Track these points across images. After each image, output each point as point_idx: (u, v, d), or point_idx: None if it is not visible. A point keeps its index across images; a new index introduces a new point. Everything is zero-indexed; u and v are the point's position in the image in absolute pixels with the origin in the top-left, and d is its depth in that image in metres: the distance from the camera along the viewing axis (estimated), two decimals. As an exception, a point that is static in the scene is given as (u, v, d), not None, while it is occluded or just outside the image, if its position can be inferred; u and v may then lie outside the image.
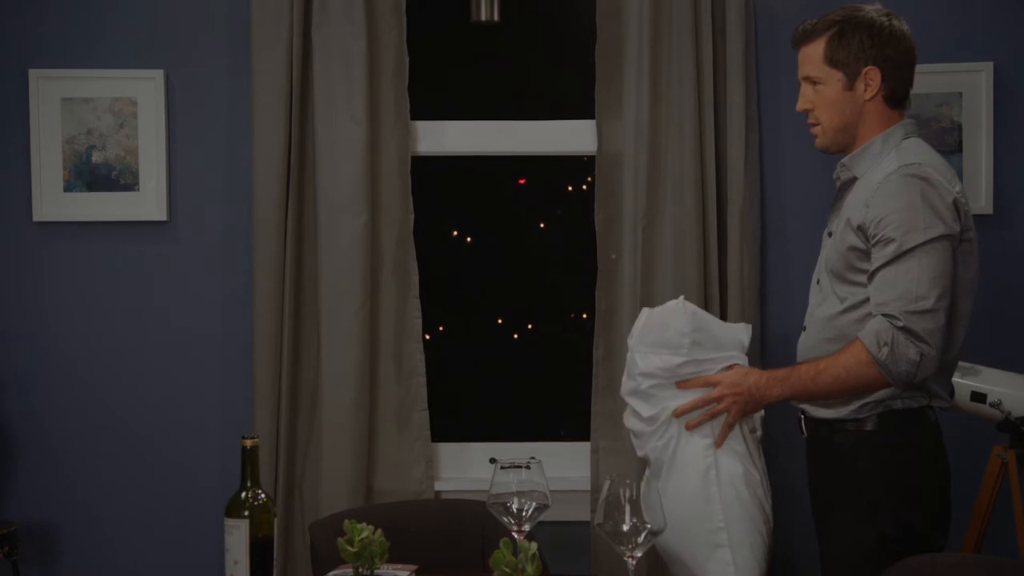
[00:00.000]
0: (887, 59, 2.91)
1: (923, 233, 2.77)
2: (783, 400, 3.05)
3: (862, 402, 2.91)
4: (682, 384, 3.03)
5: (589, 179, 3.91)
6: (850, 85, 2.94)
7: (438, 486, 3.79)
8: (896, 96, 2.95)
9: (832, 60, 2.95)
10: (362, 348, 3.67)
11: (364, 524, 2.61)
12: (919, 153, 2.88)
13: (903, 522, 2.87)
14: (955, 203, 2.82)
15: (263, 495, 2.60)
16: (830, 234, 3.04)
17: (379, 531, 2.61)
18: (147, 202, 3.78)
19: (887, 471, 2.88)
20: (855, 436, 2.93)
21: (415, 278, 3.75)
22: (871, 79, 2.92)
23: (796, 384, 2.97)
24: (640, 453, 3.03)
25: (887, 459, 2.89)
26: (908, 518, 2.88)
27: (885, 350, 2.78)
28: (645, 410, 3.04)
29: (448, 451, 3.91)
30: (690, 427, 3.01)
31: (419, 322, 3.75)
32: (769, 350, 3.81)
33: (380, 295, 3.74)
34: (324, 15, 3.67)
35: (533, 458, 2.70)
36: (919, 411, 2.93)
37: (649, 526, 2.32)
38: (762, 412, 3.16)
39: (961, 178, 3.72)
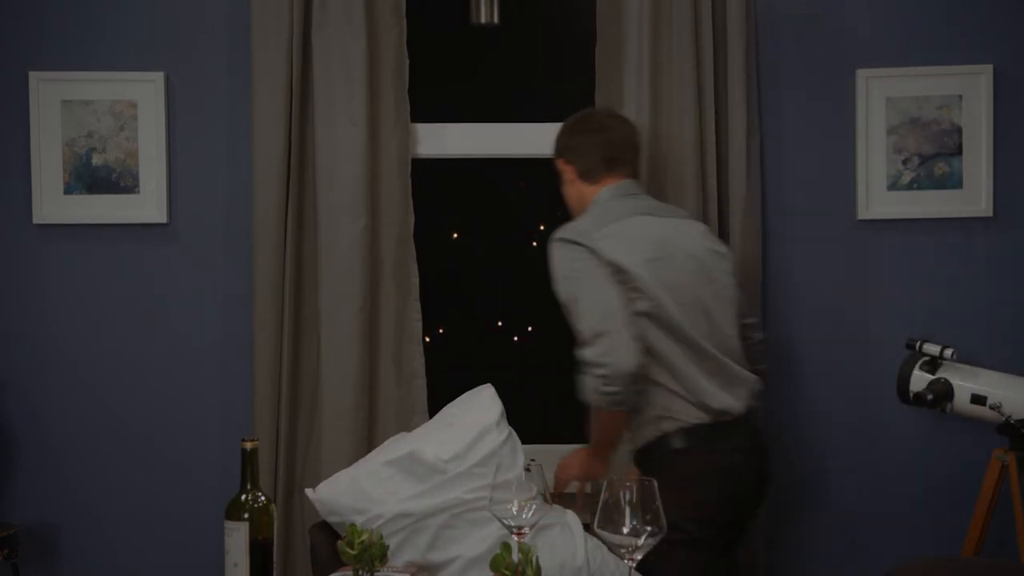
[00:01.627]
0: (568, 149, 3.39)
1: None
2: (598, 451, 3.32)
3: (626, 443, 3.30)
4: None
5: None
6: (563, 176, 3.42)
7: (438, 488, 3.79)
8: (590, 173, 3.35)
9: (556, 158, 3.44)
10: (362, 350, 3.67)
11: (364, 527, 2.61)
12: (578, 222, 3.25)
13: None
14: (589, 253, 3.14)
15: (263, 497, 2.59)
16: None
17: (379, 534, 2.61)
18: (147, 204, 3.78)
19: None
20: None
21: (415, 280, 3.75)
22: (565, 169, 3.40)
23: (591, 435, 3.31)
24: None
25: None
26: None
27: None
28: None
29: (448, 453, 3.90)
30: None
31: (419, 324, 3.75)
32: (771, 353, 3.80)
33: (380, 297, 3.74)
34: (324, 16, 3.67)
35: (533, 460, 2.70)
36: (655, 444, 3.19)
37: (649, 528, 2.32)
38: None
39: (961, 180, 3.74)
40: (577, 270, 3.15)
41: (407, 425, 3.74)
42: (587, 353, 3.07)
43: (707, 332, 3.19)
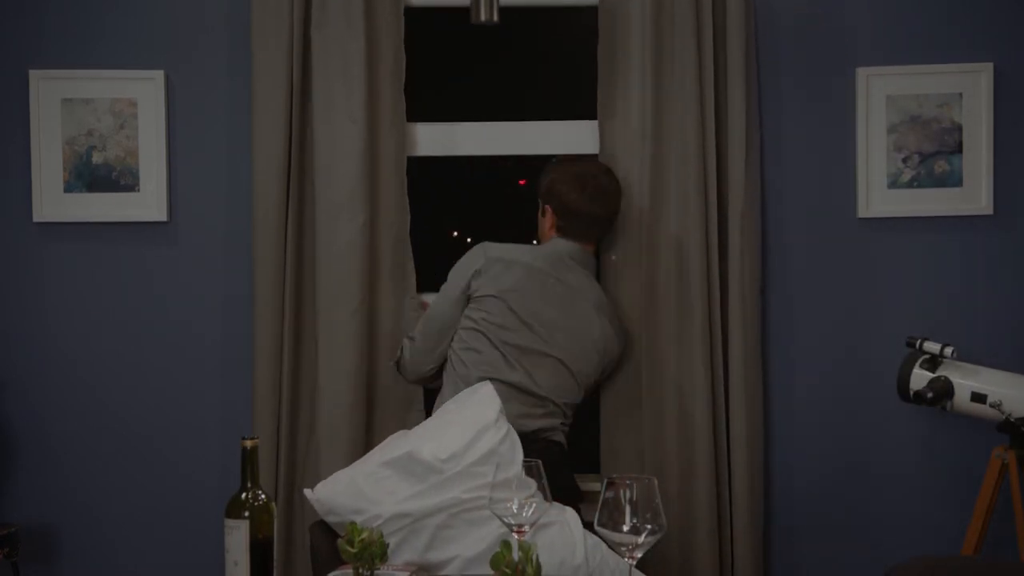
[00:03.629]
0: (550, 196, 3.60)
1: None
2: None
3: None
4: None
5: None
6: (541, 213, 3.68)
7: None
8: (562, 230, 3.59)
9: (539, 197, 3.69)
10: (360, 349, 3.67)
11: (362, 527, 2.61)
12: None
13: None
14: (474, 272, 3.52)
15: (263, 495, 2.59)
16: None
17: (379, 532, 2.61)
18: (147, 203, 3.78)
19: None
20: None
21: (413, 279, 3.76)
22: (545, 209, 3.64)
23: None
24: None
25: None
26: None
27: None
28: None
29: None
30: None
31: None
32: (770, 349, 3.81)
33: (378, 296, 3.74)
34: (323, 15, 3.67)
35: (534, 458, 2.69)
36: None
37: (650, 526, 2.32)
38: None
39: (961, 178, 3.74)
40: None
41: (405, 423, 3.74)
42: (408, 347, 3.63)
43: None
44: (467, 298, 3.51)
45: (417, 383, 3.69)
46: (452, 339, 3.51)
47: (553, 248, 3.57)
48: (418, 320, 3.65)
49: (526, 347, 3.43)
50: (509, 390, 3.36)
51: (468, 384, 3.34)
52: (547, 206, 3.62)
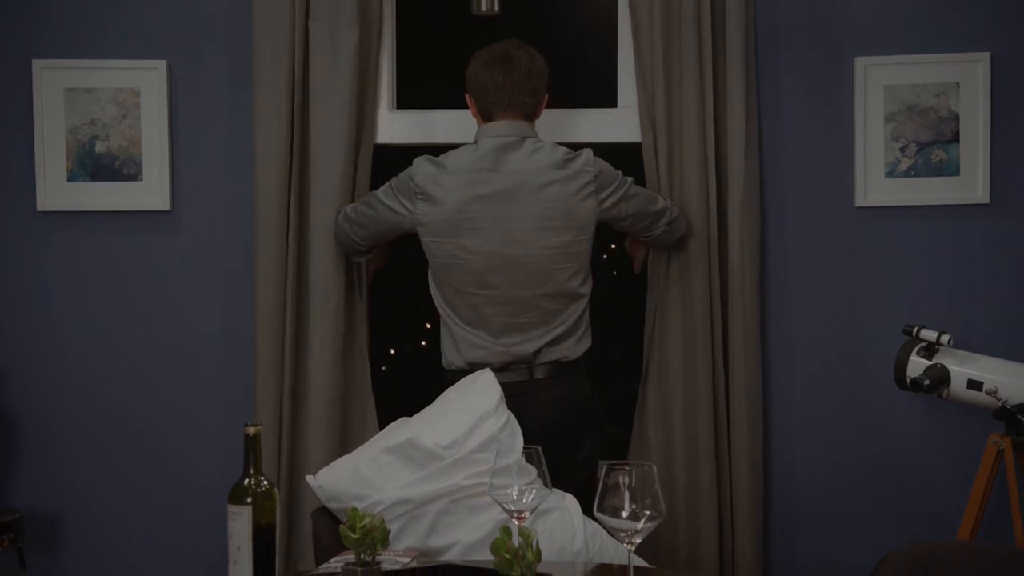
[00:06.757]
0: (469, 85, 3.47)
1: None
2: None
3: None
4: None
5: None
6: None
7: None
8: (482, 112, 3.46)
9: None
10: (335, 342, 3.68)
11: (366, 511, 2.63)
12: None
13: None
14: (415, 189, 3.39)
15: (266, 482, 2.61)
16: None
17: (380, 518, 2.63)
18: (150, 192, 3.80)
19: None
20: None
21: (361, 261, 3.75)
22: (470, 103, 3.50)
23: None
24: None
25: None
26: None
27: None
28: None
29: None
30: None
31: (363, 306, 3.76)
32: (770, 340, 3.83)
33: (353, 288, 3.76)
34: (321, 5, 3.66)
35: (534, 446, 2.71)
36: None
37: (648, 512, 2.34)
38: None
39: (958, 167, 3.75)
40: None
41: (362, 410, 3.74)
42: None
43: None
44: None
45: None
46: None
47: (472, 147, 3.44)
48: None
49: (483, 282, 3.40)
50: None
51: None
52: (467, 94, 3.51)
